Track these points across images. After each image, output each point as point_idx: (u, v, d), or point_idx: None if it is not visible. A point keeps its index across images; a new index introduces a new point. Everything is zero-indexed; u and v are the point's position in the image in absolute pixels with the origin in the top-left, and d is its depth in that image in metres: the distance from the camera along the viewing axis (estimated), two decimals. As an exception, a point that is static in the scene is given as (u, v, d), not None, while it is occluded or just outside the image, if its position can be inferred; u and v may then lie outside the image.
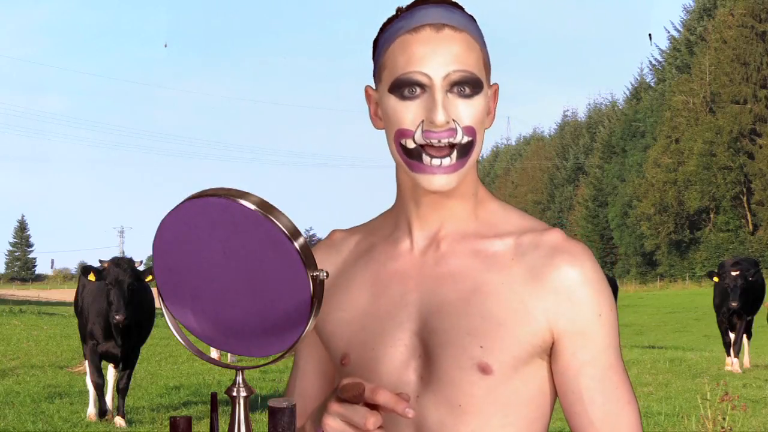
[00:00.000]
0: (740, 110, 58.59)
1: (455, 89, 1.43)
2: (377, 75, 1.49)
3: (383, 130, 1.49)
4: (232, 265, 1.25)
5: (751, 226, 58.65)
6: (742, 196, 59.30)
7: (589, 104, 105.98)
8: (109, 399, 9.68)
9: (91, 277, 9.13)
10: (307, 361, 1.61)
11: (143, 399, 10.95)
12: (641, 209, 63.17)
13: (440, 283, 1.47)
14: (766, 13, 59.13)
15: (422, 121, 1.42)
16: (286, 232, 1.22)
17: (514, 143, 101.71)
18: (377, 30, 1.51)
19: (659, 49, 74.36)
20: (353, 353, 1.50)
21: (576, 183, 78.21)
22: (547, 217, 73.63)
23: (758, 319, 14.85)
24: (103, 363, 9.53)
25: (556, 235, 1.47)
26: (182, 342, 1.33)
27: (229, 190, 1.24)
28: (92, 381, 9.37)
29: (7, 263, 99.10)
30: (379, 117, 1.49)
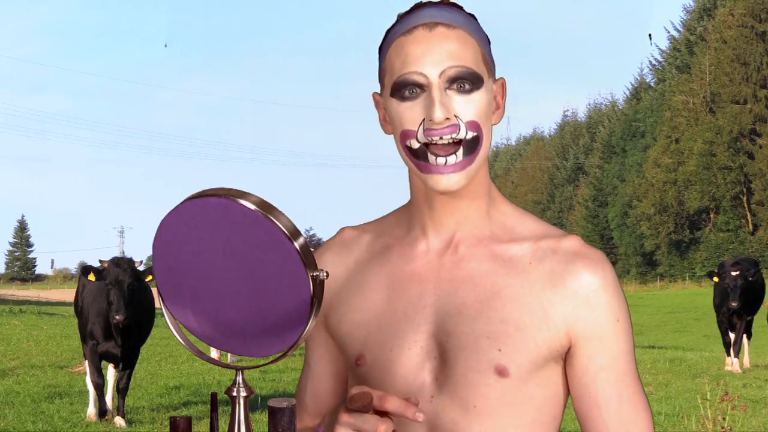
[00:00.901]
0: (740, 110, 58.57)
1: (454, 85, 1.43)
2: (381, 81, 1.50)
3: (392, 135, 1.49)
4: (232, 266, 1.25)
5: (751, 226, 58.63)
6: (742, 196, 59.28)
7: (589, 104, 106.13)
8: (109, 399, 9.67)
9: (91, 277, 9.13)
10: (318, 361, 1.61)
11: (143, 399, 10.94)
12: (641, 209, 63.14)
13: (459, 286, 1.48)
14: (766, 13, 59.11)
15: (423, 120, 1.43)
16: (286, 232, 1.22)
17: (514, 143, 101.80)
18: (378, 33, 1.53)
19: (659, 49, 74.39)
20: (369, 354, 1.50)
21: (576, 183, 78.17)
22: (547, 217, 73.52)
23: (758, 319, 14.84)
24: (103, 363, 9.53)
25: (574, 242, 1.49)
26: (182, 342, 1.33)
27: (229, 190, 1.24)
28: (92, 381, 9.37)
29: (7, 263, 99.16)
30: (388, 122, 1.50)
